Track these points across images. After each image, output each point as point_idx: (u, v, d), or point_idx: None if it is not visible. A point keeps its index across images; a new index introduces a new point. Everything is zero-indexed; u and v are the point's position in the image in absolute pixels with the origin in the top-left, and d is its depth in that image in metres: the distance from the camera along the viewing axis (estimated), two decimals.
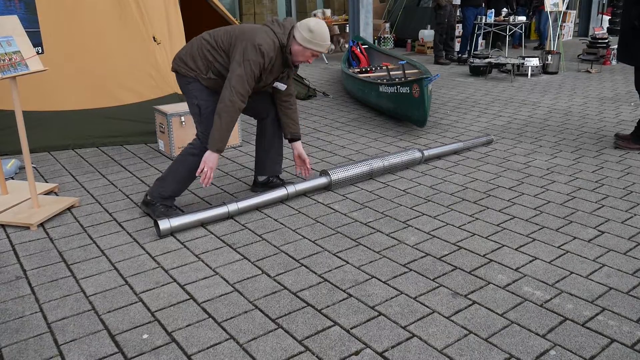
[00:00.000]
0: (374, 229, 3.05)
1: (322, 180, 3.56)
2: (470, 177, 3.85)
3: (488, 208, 3.31)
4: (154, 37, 4.86)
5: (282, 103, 3.32)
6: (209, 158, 2.94)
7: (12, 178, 3.96)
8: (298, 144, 3.39)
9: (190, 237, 2.96)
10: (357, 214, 3.25)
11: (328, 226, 3.09)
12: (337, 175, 3.60)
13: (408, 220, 3.15)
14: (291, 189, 3.42)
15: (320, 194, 3.57)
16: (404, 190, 3.61)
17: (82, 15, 4.77)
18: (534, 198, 3.45)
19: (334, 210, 3.32)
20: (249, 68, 2.88)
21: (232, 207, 3.16)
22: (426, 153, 4.11)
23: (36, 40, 3.65)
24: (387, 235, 2.96)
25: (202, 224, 3.10)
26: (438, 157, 4.23)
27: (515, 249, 2.77)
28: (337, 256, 2.73)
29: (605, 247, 2.78)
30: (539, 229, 3.00)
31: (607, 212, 3.21)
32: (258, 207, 3.32)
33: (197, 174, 3.06)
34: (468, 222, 3.10)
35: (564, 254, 2.71)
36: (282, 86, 3.22)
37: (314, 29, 2.94)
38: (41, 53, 3.68)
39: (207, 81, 3.09)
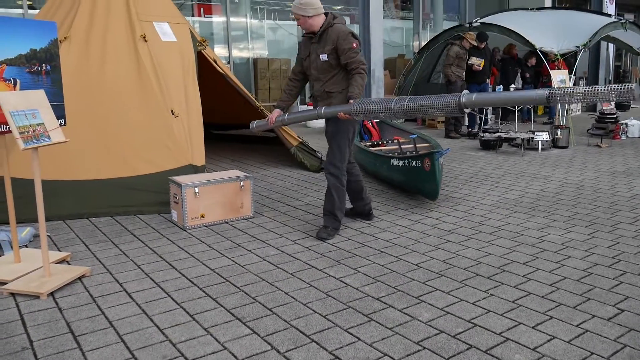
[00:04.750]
0: (386, 304, 2.99)
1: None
2: (483, 252, 3.81)
3: (503, 284, 3.25)
4: (172, 111, 5.03)
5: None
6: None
7: (26, 246, 3.99)
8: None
9: (199, 310, 2.93)
10: (369, 289, 3.20)
11: (339, 300, 3.04)
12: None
13: (421, 295, 3.10)
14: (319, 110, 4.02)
15: (332, 267, 3.54)
16: (416, 265, 3.57)
17: (104, 89, 4.98)
18: (549, 274, 3.39)
19: (346, 284, 3.27)
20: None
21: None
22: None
23: (60, 112, 3.79)
24: (399, 310, 2.90)
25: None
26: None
27: (532, 327, 2.69)
28: (348, 332, 2.67)
29: (626, 326, 2.69)
30: (556, 306, 2.92)
31: (626, 290, 3.13)
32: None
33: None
34: (483, 298, 3.04)
35: (583, 333, 2.63)
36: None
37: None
38: (63, 125, 3.81)
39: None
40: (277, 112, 4.36)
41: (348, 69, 3.98)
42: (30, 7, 10.08)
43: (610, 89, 2.88)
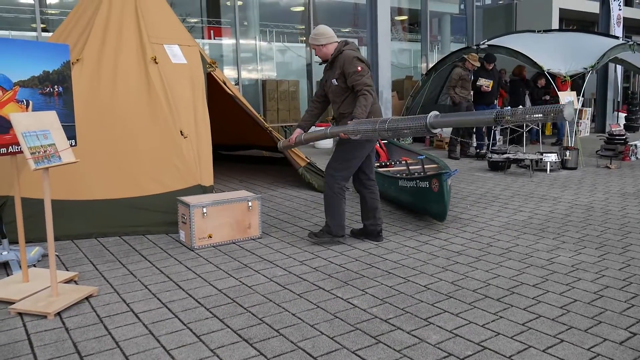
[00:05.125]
0: (394, 326, 2.96)
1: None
2: (492, 274, 3.77)
3: (512, 306, 3.21)
4: (181, 131, 5.07)
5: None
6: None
7: (34, 265, 4.00)
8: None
9: (206, 331, 2.91)
10: (377, 310, 3.17)
11: (347, 322, 3.01)
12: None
13: (430, 317, 3.07)
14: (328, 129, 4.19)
15: (340, 288, 3.52)
16: (424, 286, 3.55)
17: (115, 110, 5.04)
18: (559, 296, 3.35)
19: (353, 305, 3.25)
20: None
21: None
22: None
23: (71, 133, 3.83)
24: (408, 333, 2.87)
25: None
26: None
27: (543, 351, 2.65)
28: (356, 354, 2.64)
29: (639, 350, 2.64)
30: (567, 329, 2.88)
31: (638, 313, 3.08)
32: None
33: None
34: (492, 321, 3.01)
35: (595, 357, 2.58)
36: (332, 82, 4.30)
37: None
38: (74, 145, 3.85)
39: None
40: (298, 131, 4.52)
41: (354, 91, 4.17)
42: (44, 29, 10.28)
43: (544, 109, 3.13)
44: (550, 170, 8.11)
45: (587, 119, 13.75)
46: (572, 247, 4.35)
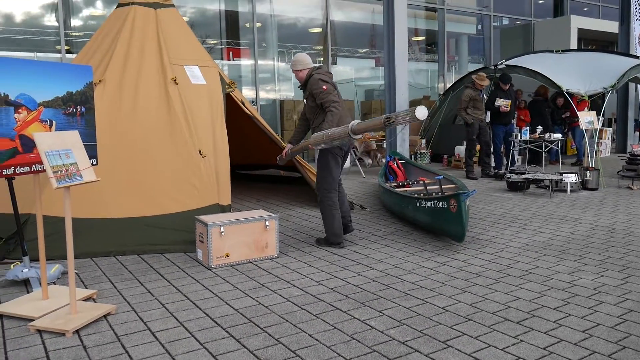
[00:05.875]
0: (412, 348, 2.92)
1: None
2: (512, 296, 3.71)
3: (533, 329, 3.15)
4: (199, 151, 5.13)
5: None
6: None
7: (54, 283, 4.04)
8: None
9: (222, 350, 2.90)
10: (394, 332, 3.14)
11: (364, 344, 2.98)
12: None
13: (448, 340, 3.02)
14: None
15: (357, 309, 3.49)
16: (443, 308, 3.50)
17: (135, 130, 5.12)
18: (581, 320, 3.28)
19: (371, 327, 3.22)
20: None
21: None
22: None
23: (92, 152, 3.90)
24: (425, 355, 2.83)
25: None
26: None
27: None
28: None
29: None
30: (590, 354, 2.81)
31: None
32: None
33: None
34: (512, 345, 2.95)
35: None
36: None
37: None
38: (95, 164, 3.92)
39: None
40: (289, 146, 5.24)
41: (323, 108, 4.82)
42: (68, 51, 10.54)
43: (403, 112, 3.92)
44: (571, 191, 8.01)
45: (608, 139, 13.60)
46: (594, 270, 4.27)
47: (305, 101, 5.05)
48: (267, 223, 4.63)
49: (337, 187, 4.99)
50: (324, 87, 4.76)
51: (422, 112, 3.79)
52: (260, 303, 3.63)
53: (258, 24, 12.68)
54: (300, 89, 5.11)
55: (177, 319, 3.35)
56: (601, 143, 12.71)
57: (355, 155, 10.99)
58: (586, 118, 8.43)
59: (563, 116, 11.39)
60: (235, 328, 3.22)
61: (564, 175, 8.10)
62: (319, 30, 13.84)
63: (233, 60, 12.85)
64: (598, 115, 8.97)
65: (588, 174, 8.23)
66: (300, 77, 5.01)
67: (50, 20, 10.44)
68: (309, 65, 5.00)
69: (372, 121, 4.29)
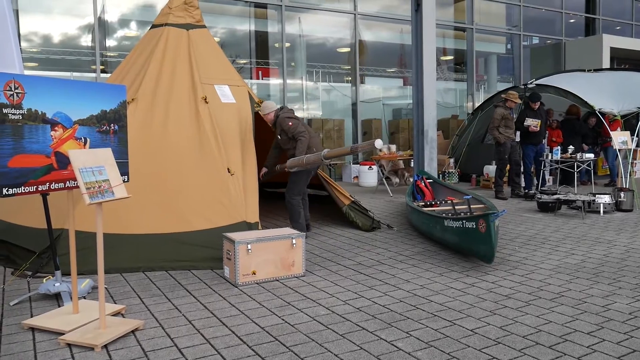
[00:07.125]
0: None
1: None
2: (543, 319, 3.62)
3: (565, 354, 3.06)
4: (228, 169, 5.19)
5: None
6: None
7: (84, 297, 4.11)
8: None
9: None
10: (421, 354, 3.09)
11: None
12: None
13: None
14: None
15: (384, 329, 3.46)
16: (472, 330, 3.43)
17: (165, 147, 5.22)
18: (616, 345, 3.17)
19: (397, 348, 3.17)
20: None
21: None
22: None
23: (124, 169, 3.99)
24: None
25: None
26: None
27: None
28: None
29: None
30: None
31: None
32: None
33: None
34: None
35: None
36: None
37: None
38: (127, 181, 4.00)
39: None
40: (264, 169, 6.39)
41: (294, 139, 5.88)
42: (103, 71, 10.85)
43: (365, 143, 5.00)
44: (604, 212, 7.81)
45: None
46: (630, 294, 4.14)
47: (279, 136, 6.07)
48: (294, 241, 4.63)
49: (303, 195, 6.26)
50: (290, 124, 5.87)
51: (379, 143, 4.80)
52: (286, 321, 3.62)
53: (287, 44, 12.86)
54: (272, 129, 6.20)
55: (203, 336, 3.37)
56: (635, 164, 12.39)
57: (383, 174, 10.96)
58: (620, 138, 8.25)
59: (599, 139, 11.12)
60: (261, 346, 3.21)
61: (597, 196, 7.92)
62: (347, 49, 13.95)
63: (262, 79, 13.04)
64: (632, 135, 8.78)
65: (622, 195, 8.03)
66: (269, 118, 6.04)
67: (87, 41, 10.79)
68: (274, 108, 6.05)
69: (340, 149, 5.44)
